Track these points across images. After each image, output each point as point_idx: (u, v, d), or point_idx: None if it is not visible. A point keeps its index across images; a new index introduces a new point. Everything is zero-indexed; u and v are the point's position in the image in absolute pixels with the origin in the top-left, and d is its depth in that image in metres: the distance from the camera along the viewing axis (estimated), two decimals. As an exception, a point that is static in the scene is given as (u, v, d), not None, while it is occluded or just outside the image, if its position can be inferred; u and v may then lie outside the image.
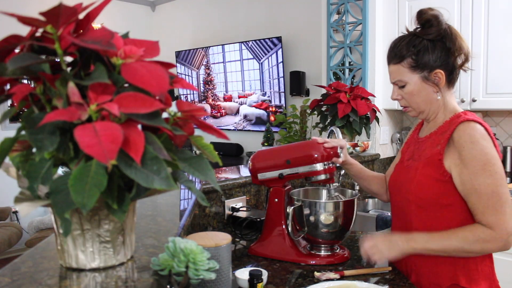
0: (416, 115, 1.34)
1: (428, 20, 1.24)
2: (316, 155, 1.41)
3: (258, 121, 4.70)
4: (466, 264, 1.23)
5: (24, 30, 0.65)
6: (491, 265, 1.28)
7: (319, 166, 1.42)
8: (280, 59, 4.35)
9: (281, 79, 4.40)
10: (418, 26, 1.27)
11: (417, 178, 1.26)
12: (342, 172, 2.14)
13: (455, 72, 1.28)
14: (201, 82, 5.25)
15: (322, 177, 1.43)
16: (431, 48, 1.24)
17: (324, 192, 1.57)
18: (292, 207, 1.41)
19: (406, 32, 1.30)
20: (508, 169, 2.79)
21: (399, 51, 1.27)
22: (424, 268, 1.28)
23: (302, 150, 1.45)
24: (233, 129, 4.94)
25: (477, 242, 1.16)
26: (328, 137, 2.14)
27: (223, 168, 2.23)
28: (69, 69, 0.68)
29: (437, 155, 1.23)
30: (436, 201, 1.24)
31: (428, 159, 1.25)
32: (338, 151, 1.44)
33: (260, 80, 4.60)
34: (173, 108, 0.71)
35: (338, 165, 1.48)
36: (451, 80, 1.28)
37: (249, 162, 1.52)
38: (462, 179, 1.19)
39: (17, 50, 0.67)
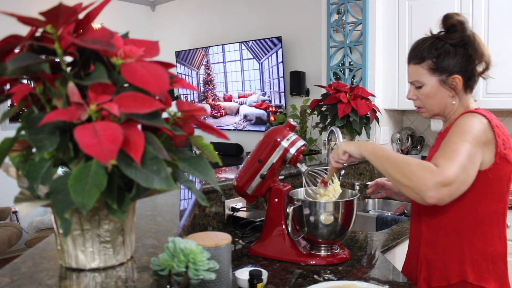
0: (430, 117, 1.35)
1: (453, 25, 1.25)
2: (278, 139, 1.46)
3: (258, 121, 4.70)
4: (476, 261, 1.23)
5: (24, 30, 0.65)
6: (505, 267, 1.27)
7: (285, 143, 1.46)
8: (280, 59, 4.35)
9: (281, 79, 4.40)
10: (443, 30, 1.28)
11: None
12: (342, 172, 2.14)
13: (473, 78, 1.28)
14: (201, 82, 5.25)
15: (293, 151, 1.46)
16: (452, 53, 1.25)
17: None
18: (292, 207, 1.41)
19: (430, 34, 1.30)
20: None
21: (420, 52, 1.28)
22: (434, 262, 1.29)
23: (264, 142, 1.48)
24: (233, 129, 4.94)
25: (417, 165, 1.12)
26: (328, 137, 2.14)
27: (223, 168, 2.23)
28: (69, 69, 0.68)
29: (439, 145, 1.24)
30: None
31: (434, 151, 1.28)
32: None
33: (260, 80, 4.60)
34: (173, 108, 0.71)
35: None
36: (468, 86, 1.29)
37: (234, 185, 1.53)
38: (441, 143, 1.20)
39: (17, 50, 0.67)
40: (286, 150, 1.45)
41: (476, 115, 1.21)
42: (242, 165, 1.55)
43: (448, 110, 1.31)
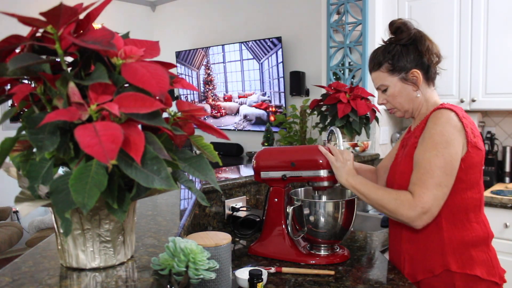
0: (402, 115, 1.42)
1: (398, 28, 1.36)
2: (321, 161, 1.41)
3: (258, 121, 4.70)
4: (456, 250, 1.28)
5: (24, 30, 0.65)
6: (488, 251, 1.31)
7: (323, 173, 1.42)
8: (280, 59, 4.35)
9: (281, 79, 4.40)
10: (392, 36, 1.39)
11: (400, 168, 1.34)
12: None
13: (431, 70, 1.36)
14: (201, 82, 5.25)
15: (325, 183, 1.43)
16: (404, 51, 1.34)
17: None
18: (292, 207, 1.41)
19: (383, 43, 1.40)
20: (507, 169, 2.79)
21: (376, 59, 1.38)
22: (416, 256, 1.33)
23: (308, 154, 1.45)
24: (233, 129, 4.95)
25: (395, 201, 1.25)
26: (328, 137, 2.14)
27: (223, 168, 2.23)
28: (69, 69, 0.68)
29: (414, 144, 1.32)
30: None
31: (409, 149, 1.34)
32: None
33: (260, 80, 4.60)
34: (173, 108, 0.71)
35: None
36: (428, 78, 1.37)
37: (253, 160, 1.52)
38: (415, 155, 1.28)
39: (17, 50, 0.67)
40: (320, 179, 1.42)
41: (444, 112, 1.27)
42: (274, 148, 1.54)
43: (416, 105, 1.38)
